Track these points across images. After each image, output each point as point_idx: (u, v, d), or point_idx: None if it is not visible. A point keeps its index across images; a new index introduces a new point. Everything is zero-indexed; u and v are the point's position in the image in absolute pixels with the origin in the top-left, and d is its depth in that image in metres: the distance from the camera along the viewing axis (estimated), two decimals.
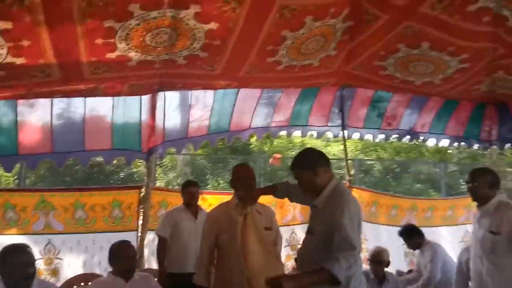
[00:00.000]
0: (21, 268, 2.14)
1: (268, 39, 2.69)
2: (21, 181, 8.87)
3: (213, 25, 2.44)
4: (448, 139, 4.77)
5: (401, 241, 4.01)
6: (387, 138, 4.72)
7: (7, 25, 2.03)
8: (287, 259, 4.42)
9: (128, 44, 2.50)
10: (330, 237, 1.87)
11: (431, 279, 3.54)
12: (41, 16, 2.03)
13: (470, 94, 4.05)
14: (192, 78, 3.28)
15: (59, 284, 3.53)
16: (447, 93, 4.04)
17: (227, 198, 2.74)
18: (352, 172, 5.10)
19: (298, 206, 4.65)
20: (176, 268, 3.55)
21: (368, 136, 4.53)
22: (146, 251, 3.94)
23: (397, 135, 4.61)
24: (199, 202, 3.84)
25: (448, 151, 13.27)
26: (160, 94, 3.56)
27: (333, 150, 11.13)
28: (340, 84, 3.96)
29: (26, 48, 2.23)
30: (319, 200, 2.02)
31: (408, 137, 4.65)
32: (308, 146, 12.58)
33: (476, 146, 5.03)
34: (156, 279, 3.13)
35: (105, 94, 3.24)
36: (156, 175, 9.71)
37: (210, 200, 4.22)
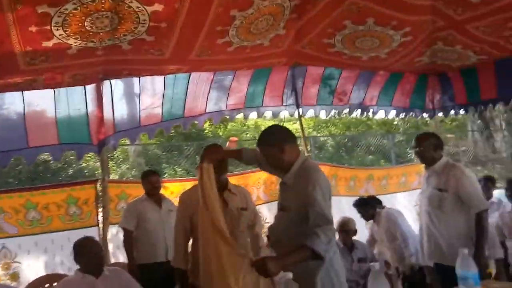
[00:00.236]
0: None
1: (216, 19, 2.62)
2: None
3: (157, 7, 2.33)
4: (395, 110, 4.98)
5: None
6: (339, 114, 4.84)
7: None
8: None
9: (66, 31, 2.33)
10: (303, 213, 1.89)
11: (406, 240, 3.62)
12: None
13: (413, 66, 4.23)
14: (139, 64, 3.14)
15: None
16: (392, 67, 4.19)
17: (189, 184, 2.69)
18: (308, 149, 5.19)
19: (261, 186, 4.70)
20: (146, 259, 3.49)
21: (322, 113, 4.61)
22: (110, 246, 3.83)
23: (348, 109, 4.73)
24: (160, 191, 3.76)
25: (394, 123, 13.95)
26: (106, 83, 3.39)
27: None
28: (291, 63, 3.97)
29: None
30: (288, 177, 2.02)
31: (359, 111, 4.79)
32: (263, 127, 12.70)
33: (422, 116, 5.31)
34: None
35: (45, 86, 3.03)
36: (109, 168, 9.35)
37: (172, 188, 4.14)
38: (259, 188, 4.63)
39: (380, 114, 5.05)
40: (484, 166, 12.38)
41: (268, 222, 4.31)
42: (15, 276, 3.53)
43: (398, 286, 3.48)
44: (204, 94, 3.89)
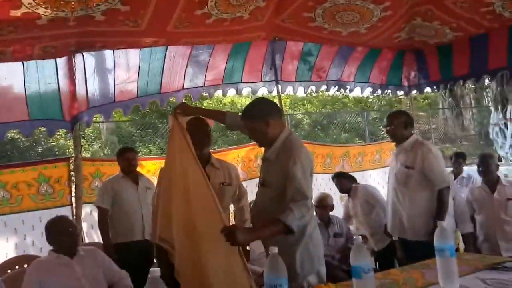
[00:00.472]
0: None
1: None
2: None
3: None
4: (372, 87, 5.01)
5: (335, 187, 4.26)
6: (317, 90, 4.83)
7: None
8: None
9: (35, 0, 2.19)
10: (283, 188, 1.88)
11: (384, 210, 3.61)
12: None
13: (392, 41, 4.25)
14: (113, 36, 3.01)
15: None
16: (372, 42, 4.20)
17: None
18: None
19: (239, 163, 4.68)
20: (122, 238, 3.43)
21: (300, 89, 4.59)
22: (84, 225, 3.76)
23: (326, 86, 4.73)
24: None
25: (369, 100, 14.16)
26: (78, 56, 3.23)
27: None
28: (270, 38, 3.91)
29: None
30: (271, 152, 2.00)
31: (336, 87, 4.79)
32: (239, 105, 12.61)
33: (397, 93, 5.39)
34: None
35: (14, 58, 2.86)
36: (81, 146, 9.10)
37: (148, 166, 4.07)
38: (237, 165, 4.61)
39: (357, 91, 5.08)
40: (453, 144, 12.84)
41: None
42: None
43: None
44: (181, 69, 3.77)
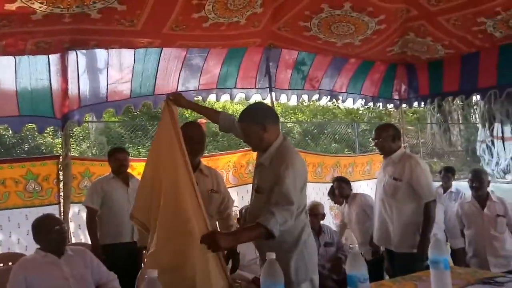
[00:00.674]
0: None
1: None
2: None
3: None
4: (364, 99, 5.06)
5: (326, 196, 4.28)
6: (309, 99, 4.86)
7: None
8: None
9: None
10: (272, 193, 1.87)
11: None
12: None
13: (385, 55, 4.31)
14: (108, 35, 2.99)
15: None
16: (365, 54, 4.25)
17: None
18: None
19: (231, 169, 4.66)
20: (111, 239, 3.40)
21: (293, 98, 4.61)
22: (72, 225, 3.70)
23: (318, 95, 4.76)
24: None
25: (359, 112, 14.28)
26: (71, 54, 3.20)
27: None
28: (265, 45, 3.93)
29: None
30: (265, 157, 1.98)
31: (328, 97, 4.83)
32: (231, 111, 12.61)
33: (386, 106, 5.45)
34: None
35: (6, 52, 2.82)
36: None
37: (139, 168, 4.02)
38: (228, 171, 4.60)
39: (349, 102, 5.12)
40: (440, 158, 12.99)
41: (236, 206, 4.29)
42: None
43: None
44: (175, 72, 3.76)
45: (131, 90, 3.57)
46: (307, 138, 12.31)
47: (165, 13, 2.75)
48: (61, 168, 3.65)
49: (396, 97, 5.16)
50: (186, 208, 1.87)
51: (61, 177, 3.69)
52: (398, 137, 3.02)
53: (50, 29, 2.72)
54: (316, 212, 3.66)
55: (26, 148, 10.27)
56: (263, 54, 4.10)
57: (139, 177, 3.77)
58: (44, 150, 10.13)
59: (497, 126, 9.54)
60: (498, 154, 9.59)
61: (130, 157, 3.76)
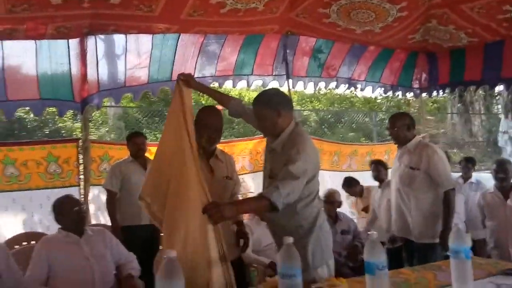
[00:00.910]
0: None
1: None
2: None
3: None
4: (383, 87, 4.98)
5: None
6: (326, 87, 4.81)
7: None
8: None
9: None
10: None
11: None
12: None
13: (405, 43, 4.22)
14: (127, 20, 3.01)
15: None
16: (385, 42, 4.16)
17: None
18: None
19: (247, 155, 4.67)
20: (129, 221, 3.47)
21: (310, 85, 4.56)
22: (91, 207, 3.79)
23: (336, 83, 4.70)
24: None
25: (377, 101, 14.06)
26: (90, 38, 3.24)
27: None
28: (283, 32, 3.89)
29: None
30: (277, 143, 1.98)
31: (346, 85, 4.77)
32: (247, 98, 12.59)
33: (406, 95, 5.35)
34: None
35: (27, 37, 2.87)
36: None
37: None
38: (244, 157, 4.61)
39: (368, 91, 5.04)
40: (460, 149, 12.73)
41: (252, 192, 4.32)
42: None
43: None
44: (192, 58, 3.76)
45: (148, 76, 3.59)
46: (323, 127, 12.22)
47: None
48: (81, 151, 3.71)
49: (416, 85, 5.05)
50: (189, 190, 1.85)
51: (80, 160, 3.76)
52: (413, 126, 2.96)
53: (70, 14, 2.75)
54: (332, 200, 3.64)
55: (47, 132, 10.51)
56: (280, 41, 4.05)
57: None
58: (64, 134, 10.36)
59: None
60: None
61: (147, 142, 3.80)
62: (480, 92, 12.03)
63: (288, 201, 1.78)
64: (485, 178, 4.08)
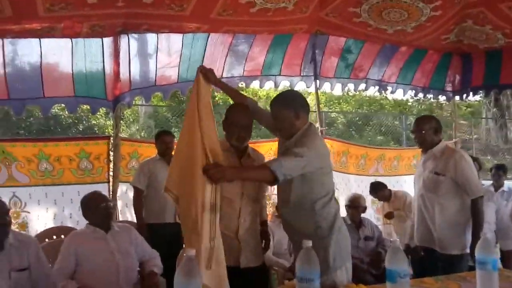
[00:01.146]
0: None
1: None
2: None
3: None
4: (414, 90, 4.85)
5: (368, 190, 4.21)
6: (355, 89, 4.74)
7: None
8: None
9: None
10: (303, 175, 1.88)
11: None
12: None
13: (439, 43, 4.10)
14: (159, 19, 3.07)
15: None
16: (418, 42, 4.06)
17: None
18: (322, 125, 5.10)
19: (271, 156, 4.62)
20: (154, 219, 3.52)
21: (338, 87, 4.51)
22: (119, 203, 3.87)
23: (365, 85, 4.62)
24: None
25: (408, 103, 13.75)
26: (124, 37, 3.32)
27: None
28: (312, 31, 3.86)
29: None
30: (291, 142, 1.98)
31: (376, 88, 4.68)
32: None
33: (438, 98, 5.19)
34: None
35: (63, 35, 2.97)
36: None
37: None
38: (269, 158, 4.58)
39: (398, 93, 4.92)
40: (494, 156, 12.25)
41: (275, 194, 4.30)
42: (23, 226, 3.61)
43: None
44: (221, 58, 3.80)
45: (178, 75, 3.65)
46: (351, 129, 12.05)
47: None
48: (112, 148, 3.81)
49: (450, 88, 4.89)
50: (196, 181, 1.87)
51: (111, 157, 3.86)
52: (440, 130, 2.82)
53: (105, 13, 2.83)
54: (357, 205, 3.56)
55: (81, 129, 10.89)
56: (309, 41, 4.03)
57: None
58: (97, 131, 10.69)
59: None
60: None
61: (176, 140, 3.85)
62: None
63: (289, 174, 1.81)
64: None
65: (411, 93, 4.93)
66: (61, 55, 3.17)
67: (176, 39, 3.51)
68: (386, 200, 4.27)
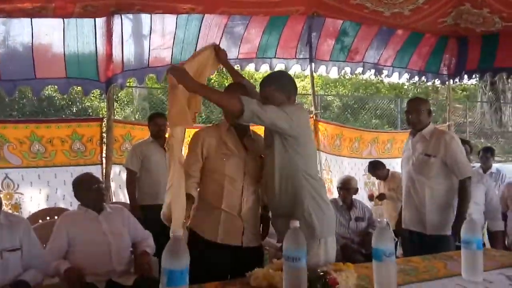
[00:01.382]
0: None
1: None
2: None
3: None
4: (410, 73, 4.83)
5: (362, 172, 4.22)
6: (352, 72, 4.71)
7: None
8: None
9: None
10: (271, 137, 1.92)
11: None
12: None
13: (436, 26, 4.06)
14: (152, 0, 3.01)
15: None
16: (414, 25, 4.02)
17: (194, 131, 2.50)
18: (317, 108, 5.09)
19: None
20: (147, 200, 3.53)
21: (334, 70, 4.48)
22: (113, 185, 3.87)
23: (362, 68, 4.60)
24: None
25: (404, 87, 13.74)
26: (116, 18, 3.26)
27: None
28: (309, 13, 3.81)
29: None
30: None
31: (372, 71, 4.66)
32: None
33: (434, 81, 5.18)
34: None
35: (55, 15, 2.91)
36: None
37: None
38: None
39: (394, 77, 4.90)
40: (488, 139, 12.34)
41: None
42: (16, 207, 3.61)
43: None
44: (216, 40, 3.74)
45: (171, 57, 3.60)
46: (346, 113, 12.05)
47: None
48: (104, 130, 3.80)
49: (445, 72, 4.88)
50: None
51: (104, 139, 3.85)
52: (430, 112, 2.83)
53: None
54: (348, 186, 3.63)
55: (75, 110, 10.81)
56: (305, 23, 3.98)
57: None
58: (91, 113, 10.62)
59: None
60: None
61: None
62: None
63: (257, 114, 1.76)
64: (508, 168, 3.94)
65: (406, 76, 4.91)
66: (53, 35, 3.11)
67: (170, 20, 3.45)
68: (383, 179, 4.31)
